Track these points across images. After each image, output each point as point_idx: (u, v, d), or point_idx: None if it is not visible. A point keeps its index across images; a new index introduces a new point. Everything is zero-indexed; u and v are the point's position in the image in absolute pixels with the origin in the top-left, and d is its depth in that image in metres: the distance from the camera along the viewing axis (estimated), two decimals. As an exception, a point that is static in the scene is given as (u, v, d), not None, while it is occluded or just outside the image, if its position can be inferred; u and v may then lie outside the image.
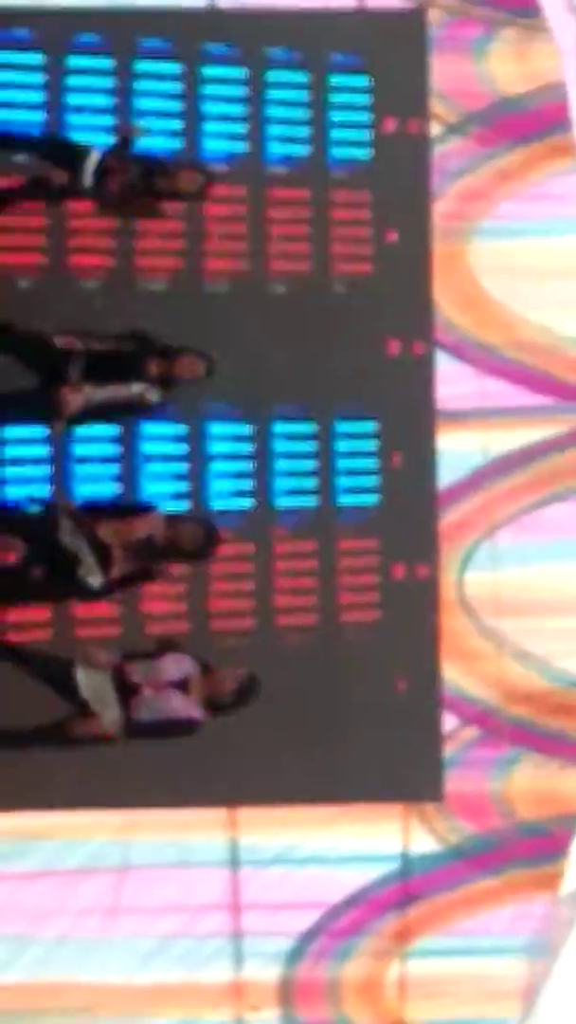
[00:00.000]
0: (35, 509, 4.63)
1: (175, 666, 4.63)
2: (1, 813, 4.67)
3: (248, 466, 4.93)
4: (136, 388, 4.72)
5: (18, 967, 4.76)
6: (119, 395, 4.71)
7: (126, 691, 4.57)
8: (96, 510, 4.61)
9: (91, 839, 4.80)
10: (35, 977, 4.78)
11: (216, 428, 4.93)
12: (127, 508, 4.68)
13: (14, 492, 4.73)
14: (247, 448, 4.95)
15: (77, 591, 4.55)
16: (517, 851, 5.00)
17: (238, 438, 4.94)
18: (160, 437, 4.88)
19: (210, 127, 4.96)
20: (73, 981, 4.79)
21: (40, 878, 4.77)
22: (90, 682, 4.60)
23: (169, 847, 4.85)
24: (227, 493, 4.91)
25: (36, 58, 4.88)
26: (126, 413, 4.75)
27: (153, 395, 4.72)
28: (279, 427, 4.96)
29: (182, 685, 4.59)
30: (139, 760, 4.69)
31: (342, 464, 5.00)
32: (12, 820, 4.69)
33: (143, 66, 4.92)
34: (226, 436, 4.94)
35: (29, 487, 4.72)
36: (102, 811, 4.73)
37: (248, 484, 4.94)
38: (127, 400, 4.72)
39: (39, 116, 4.85)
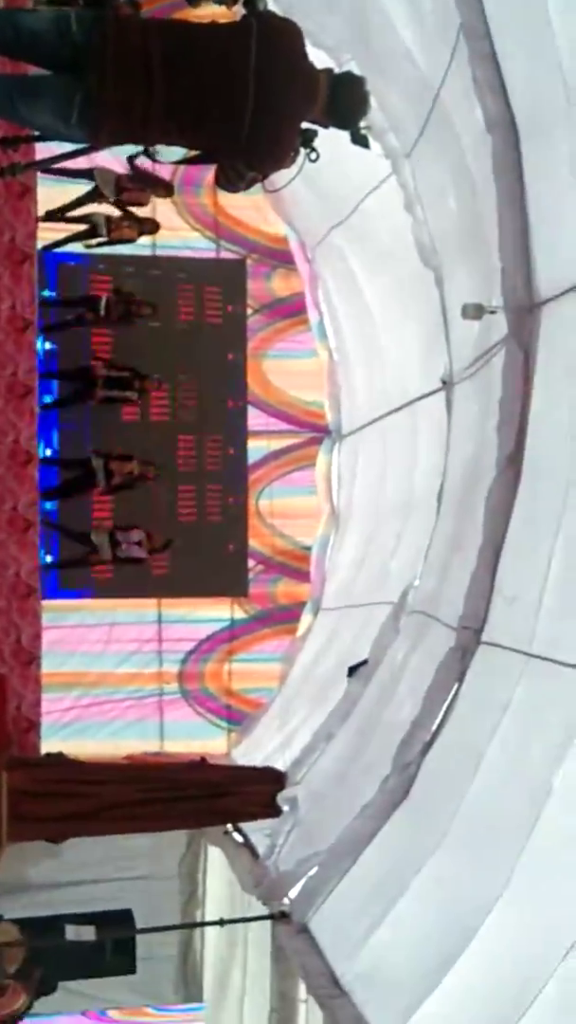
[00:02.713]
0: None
1: (136, 534, 11.03)
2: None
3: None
4: None
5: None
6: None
7: (113, 542, 10.88)
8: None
9: (96, 611, 11.19)
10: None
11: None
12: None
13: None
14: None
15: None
16: (277, 618, 11.66)
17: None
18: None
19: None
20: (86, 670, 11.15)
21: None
22: (98, 538, 10.91)
23: (132, 615, 11.29)
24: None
25: None
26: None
27: None
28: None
29: (139, 543, 10.98)
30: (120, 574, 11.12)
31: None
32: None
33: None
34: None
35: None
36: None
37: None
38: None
39: None
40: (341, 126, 4.17)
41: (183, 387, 11.35)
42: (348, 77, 4.08)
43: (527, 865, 5.01)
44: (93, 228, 10.20)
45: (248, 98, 3.70)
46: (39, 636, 9.58)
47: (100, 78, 3.65)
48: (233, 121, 3.75)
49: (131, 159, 9.24)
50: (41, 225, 9.53)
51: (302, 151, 4.05)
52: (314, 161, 4.08)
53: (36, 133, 4.56)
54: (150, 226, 10.46)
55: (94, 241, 10.34)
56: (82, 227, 10.21)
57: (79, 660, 11.03)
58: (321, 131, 4.26)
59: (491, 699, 6.02)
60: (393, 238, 8.64)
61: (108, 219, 10.19)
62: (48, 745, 9.65)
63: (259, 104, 3.73)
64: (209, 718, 11.44)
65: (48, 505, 10.28)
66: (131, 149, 8.36)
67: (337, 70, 4.17)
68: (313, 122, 4.03)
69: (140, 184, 9.79)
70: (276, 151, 3.93)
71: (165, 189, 10.07)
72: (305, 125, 4.03)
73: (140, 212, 10.35)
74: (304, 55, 3.97)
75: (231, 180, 3.90)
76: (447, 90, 6.60)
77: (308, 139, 4.03)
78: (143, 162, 9.10)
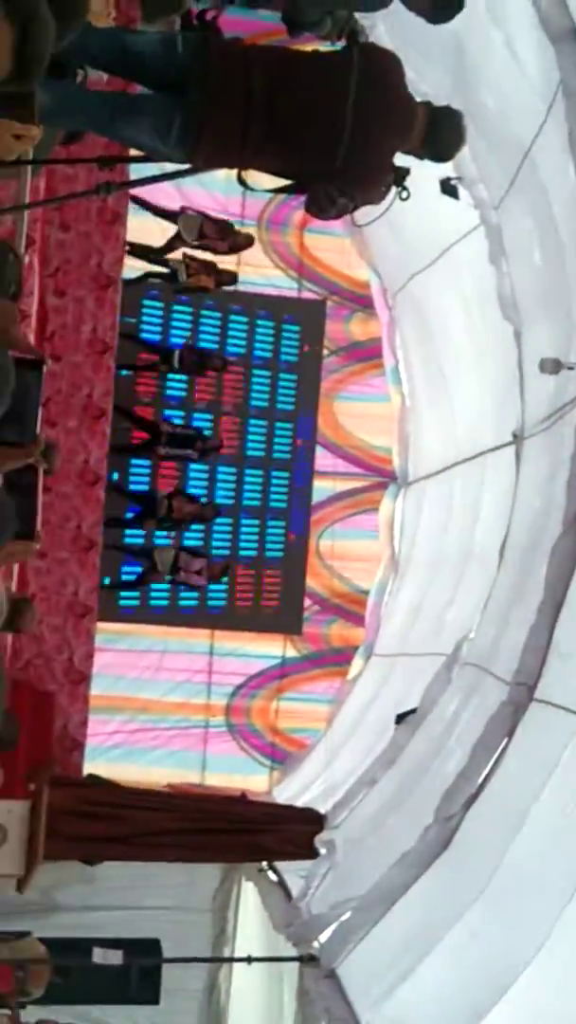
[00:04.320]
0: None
1: (198, 563, 11.01)
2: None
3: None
4: None
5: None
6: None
7: (175, 567, 10.83)
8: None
9: (150, 637, 11.22)
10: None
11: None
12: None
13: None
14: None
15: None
16: (329, 660, 11.63)
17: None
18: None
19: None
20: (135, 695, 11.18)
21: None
22: (161, 558, 10.84)
23: (184, 645, 11.31)
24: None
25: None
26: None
27: None
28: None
29: (199, 571, 10.99)
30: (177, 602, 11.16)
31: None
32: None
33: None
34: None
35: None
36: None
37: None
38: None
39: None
40: (436, 158, 4.20)
41: (253, 424, 11.42)
42: (447, 111, 4.12)
43: (566, 927, 4.92)
44: (173, 273, 10.35)
45: (346, 125, 3.74)
46: (91, 656, 9.63)
47: (202, 100, 3.72)
48: (329, 146, 3.79)
49: (206, 216, 9.56)
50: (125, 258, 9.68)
51: (393, 189, 4.09)
52: (405, 199, 4.11)
53: (133, 153, 4.64)
54: (227, 278, 10.61)
55: (172, 287, 10.51)
56: (163, 270, 10.39)
57: (128, 684, 11.06)
58: (410, 178, 4.29)
59: (540, 757, 5.95)
60: (474, 289, 8.68)
61: (187, 265, 10.33)
62: (91, 767, 9.67)
63: (356, 131, 3.77)
64: (253, 754, 11.40)
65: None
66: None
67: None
68: (409, 152, 4.07)
69: (222, 232, 9.98)
70: (370, 178, 3.96)
71: (246, 239, 10.23)
72: (399, 163, 4.07)
73: (223, 259, 10.48)
74: (404, 85, 4.02)
75: (322, 206, 3.93)
76: (540, 146, 6.64)
77: (401, 177, 4.07)
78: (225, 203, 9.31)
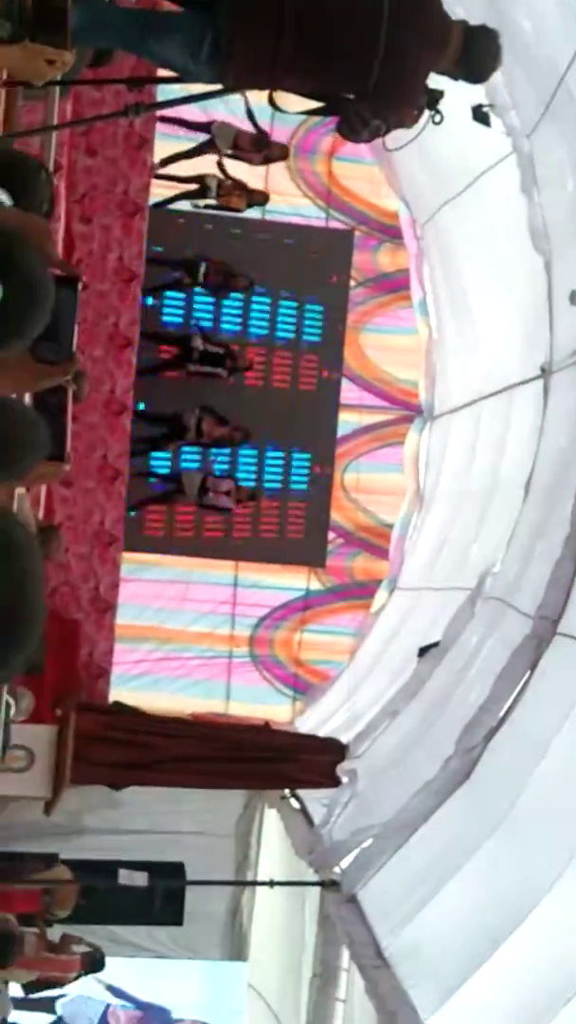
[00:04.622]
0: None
1: (226, 484, 10.95)
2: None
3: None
4: None
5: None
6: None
7: (203, 488, 10.80)
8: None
9: (175, 568, 11.29)
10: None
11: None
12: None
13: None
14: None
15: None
16: (352, 593, 11.68)
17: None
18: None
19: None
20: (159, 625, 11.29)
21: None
22: (188, 480, 10.77)
23: (209, 576, 11.37)
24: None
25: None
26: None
27: None
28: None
29: (227, 493, 10.90)
30: (202, 532, 11.19)
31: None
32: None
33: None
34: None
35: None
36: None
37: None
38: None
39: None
40: (472, 79, 4.12)
41: (278, 355, 11.33)
42: (482, 29, 4.03)
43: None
44: (203, 189, 10.23)
45: (379, 43, 3.67)
46: (117, 586, 9.70)
47: (233, 16, 3.66)
48: (362, 65, 3.73)
49: (250, 113, 9.26)
50: (153, 181, 9.58)
51: (427, 112, 4.01)
52: (438, 123, 4.04)
53: (161, 75, 4.57)
54: (259, 197, 10.46)
55: (202, 203, 10.36)
56: (192, 187, 10.24)
57: (153, 614, 11.14)
58: (444, 101, 4.21)
59: (562, 690, 5.98)
60: (504, 219, 8.55)
61: (220, 183, 10.21)
62: (116, 695, 9.78)
63: (390, 49, 3.71)
64: (276, 685, 11.49)
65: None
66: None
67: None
68: (443, 73, 3.99)
69: (256, 143, 9.79)
70: (403, 98, 3.89)
71: (281, 150, 10.05)
72: (432, 85, 3.99)
73: (254, 180, 10.34)
74: (439, 3, 3.93)
75: (355, 128, 3.87)
76: (574, 72, 6.50)
77: (434, 99, 4.00)
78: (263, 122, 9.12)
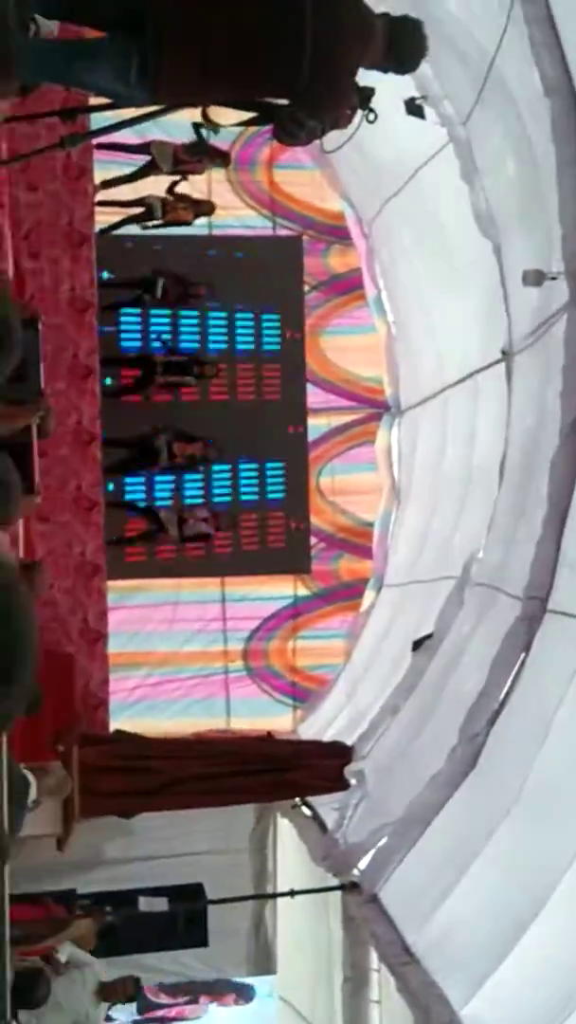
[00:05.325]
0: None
1: (202, 511, 11.05)
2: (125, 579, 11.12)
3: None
4: None
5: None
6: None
7: (181, 520, 10.92)
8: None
9: (161, 591, 11.28)
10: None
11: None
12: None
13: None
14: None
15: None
16: (340, 595, 11.68)
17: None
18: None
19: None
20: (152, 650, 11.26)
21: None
22: (167, 516, 10.93)
23: (196, 595, 11.37)
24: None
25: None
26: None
27: None
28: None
29: (205, 519, 11.01)
30: (184, 553, 11.19)
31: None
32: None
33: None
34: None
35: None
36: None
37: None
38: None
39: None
40: (401, 69, 4.15)
41: (242, 369, 11.35)
42: (406, 19, 4.07)
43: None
44: (149, 210, 10.24)
45: (306, 42, 3.70)
46: (105, 615, 9.68)
47: (158, 34, 3.67)
48: (291, 67, 3.75)
49: (196, 126, 9.26)
50: (97, 209, 9.59)
51: (360, 112, 4.04)
52: (372, 122, 4.07)
53: (95, 102, 4.58)
54: (207, 207, 10.49)
55: (150, 224, 10.38)
56: (137, 210, 10.26)
57: (144, 640, 11.12)
58: (375, 101, 4.24)
59: (559, 667, 6.00)
60: (449, 208, 8.59)
61: (163, 201, 10.24)
62: (116, 724, 9.75)
63: (317, 47, 3.73)
64: (275, 695, 11.48)
65: (110, 486, 10.32)
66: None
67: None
68: (372, 67, 4.02)
69: (197, 154, 9.80)
70: (335, 96, 3.91)
71: (222, 158, 10.07)
72: (363, 84, 4.02)
73: (196, 194, 10.38)
74: None
75: (291, 131, 3.89)
76: (503, 55, 6.55)
77: (366, 98, 4.02)
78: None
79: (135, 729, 9.54)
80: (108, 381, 10.25)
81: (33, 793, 4.50)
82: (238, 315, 11.26)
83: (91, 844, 8.83)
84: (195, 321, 11.13)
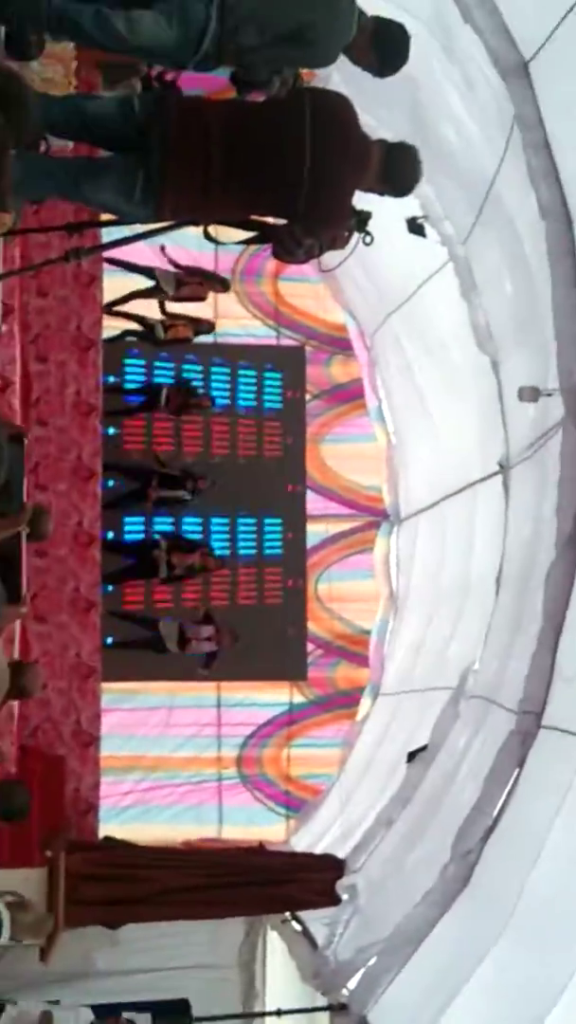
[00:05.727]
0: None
1: (206, 630, 10.96)
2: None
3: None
4: None
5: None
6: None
7: (184, 639, 10.86)
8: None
9: (157, 694, 11.20)
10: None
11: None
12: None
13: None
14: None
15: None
16: (336, 703, 11.59)
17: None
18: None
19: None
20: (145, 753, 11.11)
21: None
22: (166, 630, 10.90)
23: (191, 699, 11.28)
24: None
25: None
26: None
27: None
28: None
29: (208, 638, 10.92)
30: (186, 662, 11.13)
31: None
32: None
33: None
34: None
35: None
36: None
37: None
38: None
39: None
40: (396, 193, 4.28)
41: (244, 472, 11.45)
42: (401, 145, 4.21)
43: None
44: (151, 331, 10.45)
45: (304, 165, 3.81)
46: (99, 717, 9.60)
47: (162, 155, 3.80)
48: (290, 189, 3.86)
49: (183, 268, 9.68)
50: (104, 316, 9.77)
51: (356, 234, 4.15)
52: (368, 244, 4.18)
53: (102, 218, 4.73)
54: (206, 326, 10.72)
55: (151, 343, 10.60)
56: (139, 328, 10.48)
57: (138, 743, 11.03)
58: (377, 220, 4.36)
59: (552, 783, 5.94)
60: (449, 324, 8.76)
61: (164, 324, 10.45)
62: (106, 829, 9.60)
63: (315, 170, 3.85)
64: (268, 804, 11.33)
65: (109, 588, 10.33)
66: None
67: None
68: (368, 190, 4.14)
69: (198, 279, 10.07)
70: (332, 218, 4.03)
71: (221, 284, 10.34)
72: (361, 207, 4.14)
73: (199, 310, 10.60)
74: (356, 124, 4.11)
75: (289, 249, 4.00)
76: (502, 178, 6.74)
77: (363, 221, 4.14)
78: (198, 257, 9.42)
79: (125, 835, 9.38)
80: (111, 483, 10.35)
81: (6, 932, 4.27)
82: (240, 371, 11.37)
83: (75, 954, 8.61)
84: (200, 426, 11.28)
